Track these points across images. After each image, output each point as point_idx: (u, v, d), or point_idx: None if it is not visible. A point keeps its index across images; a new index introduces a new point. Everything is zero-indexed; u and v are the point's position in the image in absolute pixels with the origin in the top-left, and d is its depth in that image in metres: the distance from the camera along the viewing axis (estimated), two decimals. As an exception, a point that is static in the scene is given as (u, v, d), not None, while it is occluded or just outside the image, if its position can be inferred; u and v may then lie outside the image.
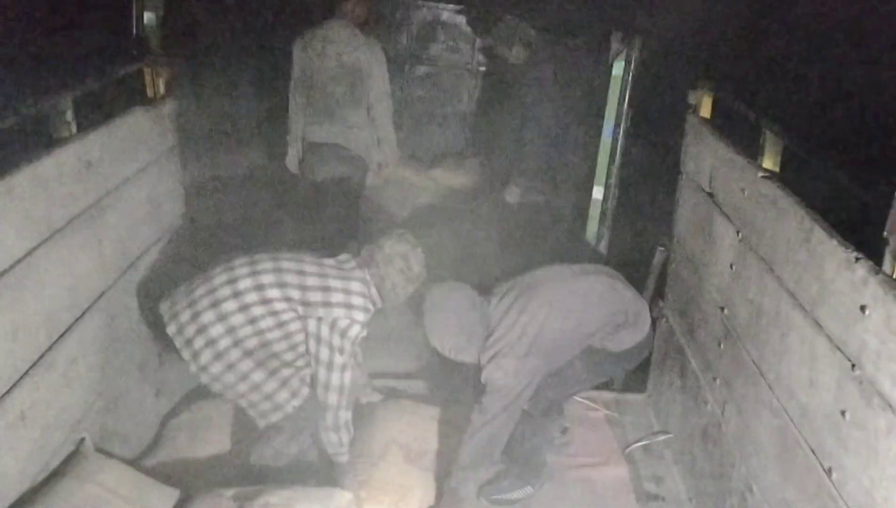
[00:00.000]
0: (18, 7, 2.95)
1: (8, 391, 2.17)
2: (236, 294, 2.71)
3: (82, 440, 2.60)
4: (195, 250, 3.60)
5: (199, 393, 3.45)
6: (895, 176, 1.82)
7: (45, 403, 2.37)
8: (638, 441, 3.54)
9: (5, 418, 2.16)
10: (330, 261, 2.88)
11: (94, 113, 2.82)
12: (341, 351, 2.76)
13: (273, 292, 2.72)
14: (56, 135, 2.59)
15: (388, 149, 4.34)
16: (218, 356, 2.71)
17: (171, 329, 2.75)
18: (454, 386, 3.49)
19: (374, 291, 2.87)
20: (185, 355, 2.73)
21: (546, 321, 2.90)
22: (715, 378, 2.94)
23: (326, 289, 2.76)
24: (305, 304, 2.73)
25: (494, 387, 2.86)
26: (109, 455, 2.72)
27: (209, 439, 3.12)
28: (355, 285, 2.81)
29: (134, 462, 2.90)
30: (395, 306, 2.98)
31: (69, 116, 2.62)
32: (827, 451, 2.05)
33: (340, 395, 2.82)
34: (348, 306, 2.76)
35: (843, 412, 1.96)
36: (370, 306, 2.85)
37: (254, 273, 2.75)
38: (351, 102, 4.18)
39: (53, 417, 2.43)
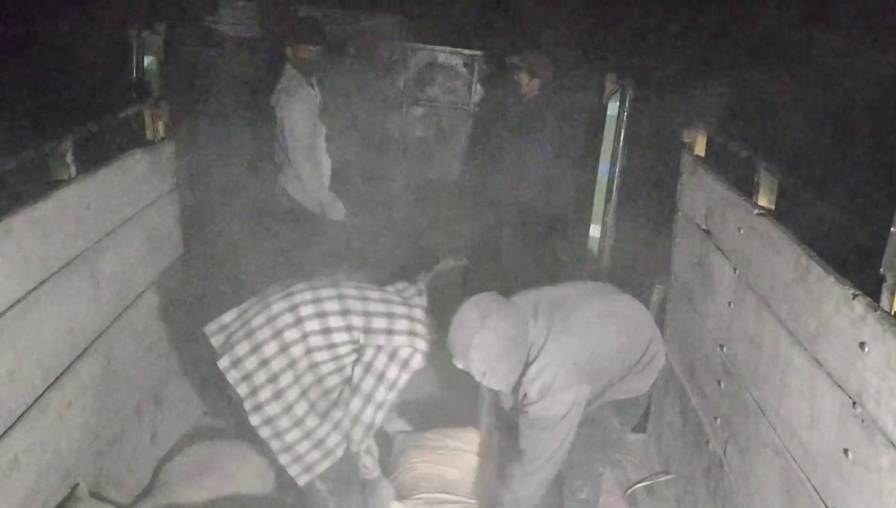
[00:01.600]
0: (20, 48, 2.99)
1: (2, 435, 2.15)
2: (298, 321, 2.54)
3: (77, 484, 2.56)
4: (193, 290, 3.60)
5: (195, 437, 3.42)
6: (890, 212, 1.83)
7: (39, 446, 2.34)
8: (640, 482, 3.50)
9: (0, 462, 2.13)
10: (390, 288, 2.74)
11: (94, 155, 2.84)
12: (391, 386, 2.57)
13: (335, 321, 2.55)
14: (56, 177, 2.60)
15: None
16: (278, 394, 2.53)
17: (223, 363, 2.56)
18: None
19: (434, 320, 2.68)
20: (242, 390, 2.55)
21: (597, 343, 2.62)
22: (716, 417, 2.91)
23: (391, 316, 2.59)
24: (367, 331, 2.55)
25: (552, 422, 2.53)
26: (104, 499, 2.68)
27: (204, 483, 3.07)
28: (418, 313, 2.65)
29: (128, 507, 2.86)
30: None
31: (69, 158, 2.63)
32: (831, 490, 2.03)
33: (367, 431, 2.66)
34: (412, 334, 2.59)
35: (845, 451, 1.94)
36: (433, 336, 2.66)
37: (316, 300, 2.57)
38: None
39: (48, 461, 2.40)
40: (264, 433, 2.61)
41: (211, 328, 2.68)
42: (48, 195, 2.45)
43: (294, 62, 4.26)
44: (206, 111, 4.77)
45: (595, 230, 4.43)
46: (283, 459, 2.65)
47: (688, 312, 3.30)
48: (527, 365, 2.55)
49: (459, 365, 2.54)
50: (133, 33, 3.56)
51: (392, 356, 2.55)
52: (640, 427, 3.85)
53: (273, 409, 2.56)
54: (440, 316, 2.64)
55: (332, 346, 2.56)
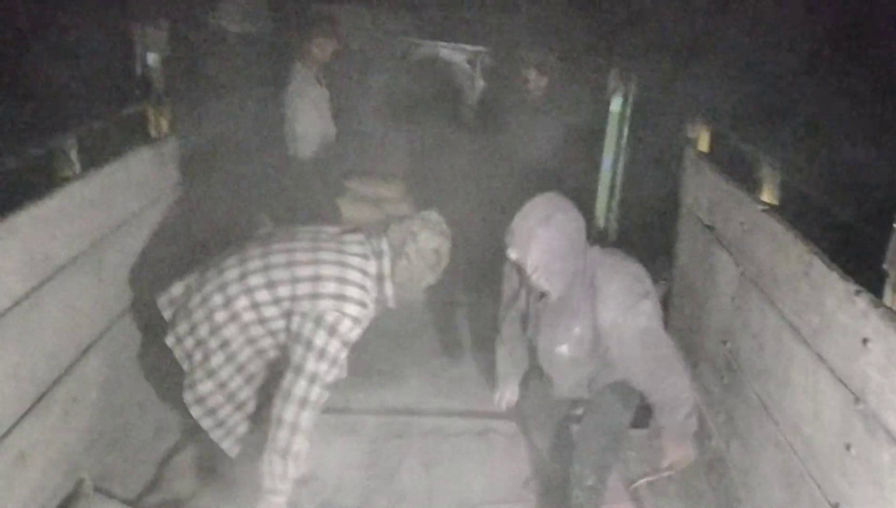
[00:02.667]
0: (23, 45, 3.00)
1: (8, 432, 2.17)
2: (227, 302, 2.45)
3: (82, 479, 2.58)
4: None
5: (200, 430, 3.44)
6: (893, 208, 1.83)
7: (44, 443, 2.36)
8: (643, 477, 3.50)
9: (5, 458, 2.14)
10: (331, 244, 2.50)
11: (98, 152, 2.85)
12: (321, 355, 2.34)
13: (262, 295, 2.41)
14: (60, 174, 2.61)
15: None
16: (211, 373, 2.49)
17: (169, 340, 2.56)
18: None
19: (387, 286, 2.51)
20: (184, 367, 2.54)
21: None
22: (719, 412, 2.92)
23: (318, 278, 2.39)
24: (293, 299, 2.40)
25: (648, 334, 2.61)
26: (109, 494, 2.69)
27: (209, 478, 3.08)
28: (354, 275, 2.43)
29: (133, 502, 2.87)
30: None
31: (73, 155, 2.65)
32: (833, 486, 2.03)
33: (301, 410, 2.34)
34: (339, 298, 2.38)
35: (847, 446, 1.95)
36: (368, 302, 2.44)
37: (243, 275, 2.45)
38: None
39: (53, 456, 2.42)
40: (195, 412, 2.56)
41: (161, 300, 2.63)
42: (53, 193, 2.46)
43: (305, 59, 4.25)
44: (210, 108, 4.77)
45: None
46: (215, 435, 2.62)
47: (691, 307, 3.31)
48: (593, 287, 2.59)
49: (513, 256, 2.55)
50: (136, 29, 3.56)
51: (317, 321, 2.36)
52: (642, 423, 3.85)
53: (205, 387, 2.51)
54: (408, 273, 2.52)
55: (263, 321, 2.45)
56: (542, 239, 2.50)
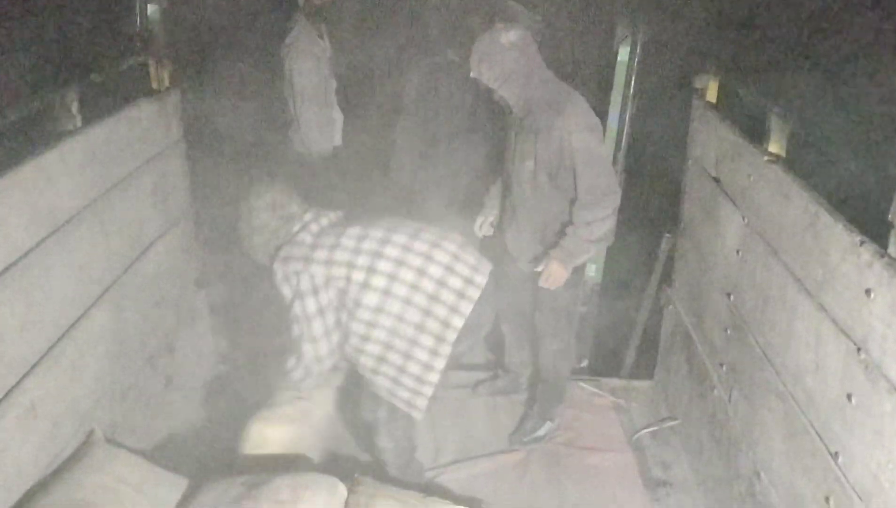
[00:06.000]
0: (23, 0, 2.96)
1: (18, 383, 2.19)
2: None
3: (92, 431, 2.62)
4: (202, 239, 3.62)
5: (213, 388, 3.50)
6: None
7: (54, 394, 2.39)
8: (645, 428, 3.55)
9: (16, 409, 2.18)
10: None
11: (100, 105, 2.83)
12: (300, 309, 2.68)
13: None
14: (61, 128, 2.60)
15: None
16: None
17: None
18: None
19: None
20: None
21: None
22: (722, 364, 2.93)
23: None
24: None
25: (598, 150, 3.01)
26: (119, 445, 2.74)
27: (219, 430, 3.14)
28: (305, 236, 2.73)
29: (144, 452, 2.92)
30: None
31: (74, 108, 2.63)
32: (833, 435, 2.05)
33: (306, 353, 2.73)
34: (307, 260, 2.69)
35: (849, 396, 1.96)
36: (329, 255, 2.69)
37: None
38: None
39: (63, 408, 2.45)
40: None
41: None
42: (54, 145, 2.45)
43: (306, 9, 4.18)
44: (211, 61, 4.72)
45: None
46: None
47: (696, 260, 3.30)
48: (556, 104, 2.93)
49: (473, 74, 2.97)
50: (136, -20, 3.51)
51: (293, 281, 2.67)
52: (646, 374, 3.89)
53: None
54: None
55: None
56: (495, 53, 2.92)
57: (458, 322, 2.62)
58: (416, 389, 2.67)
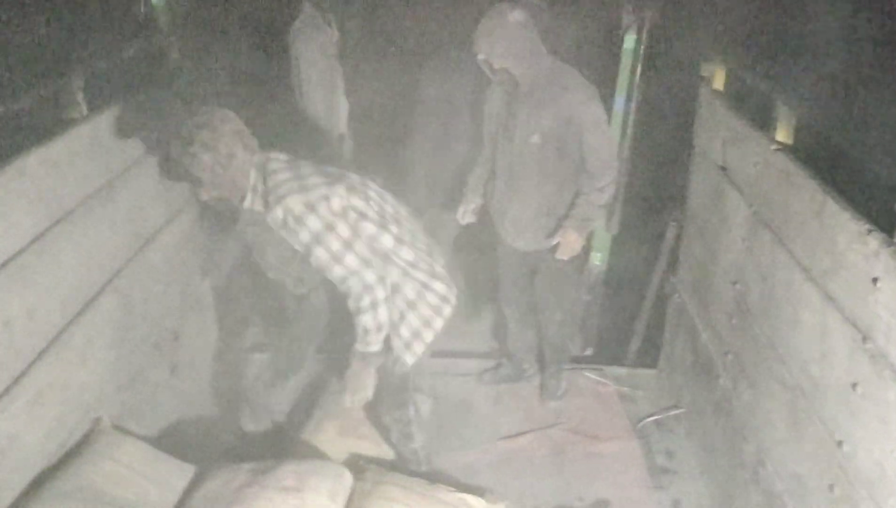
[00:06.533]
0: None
1: (25, 371, 2.21)
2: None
3: (99, 418, 2.64)
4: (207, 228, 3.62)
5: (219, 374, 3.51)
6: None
7: (61, 382, 2.40)
8: (650, 416, 3.55)
9: (23, 396, 2.19)
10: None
11: (105, 93, 2.83)
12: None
13: None
14: (67, 116, 2.60)
15: None
16: None
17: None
18: None
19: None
20: None
21: None
22: (727, 353, 2.93)
23: None
24: None
25: (604, 119, 3.13)
26: (126, 432, 2.76)
27: (228, 416, 3.16)
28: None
29: (150, 439, 2.94)
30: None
31: (80, 96, 2.63)
32: (838, 424, 2.05)
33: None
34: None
35: (854, 385, 1.96)
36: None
37: None
38: None
39: (70, 395, 2.47)
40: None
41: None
42: (61, 134, 2.45)
43: None
44: (217, 48, 4.71)
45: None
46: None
47: (701, 248, 3.29)
48: (560, 78, 3.02)
49: (482, 56, 2.96)
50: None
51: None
52: (651, 362, 3.90)
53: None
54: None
55: None
56: (502, 32, 2.93)
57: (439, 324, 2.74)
58: (417, 331, 2.70)
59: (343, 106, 4.51)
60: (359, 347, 2.55)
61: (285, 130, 4.43)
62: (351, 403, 2.64)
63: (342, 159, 4.45)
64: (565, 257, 3.18)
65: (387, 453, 3.01)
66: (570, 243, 3.15)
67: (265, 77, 4.85)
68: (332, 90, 4.36)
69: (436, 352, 3.65)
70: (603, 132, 3.08)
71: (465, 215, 3.45)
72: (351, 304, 2.48)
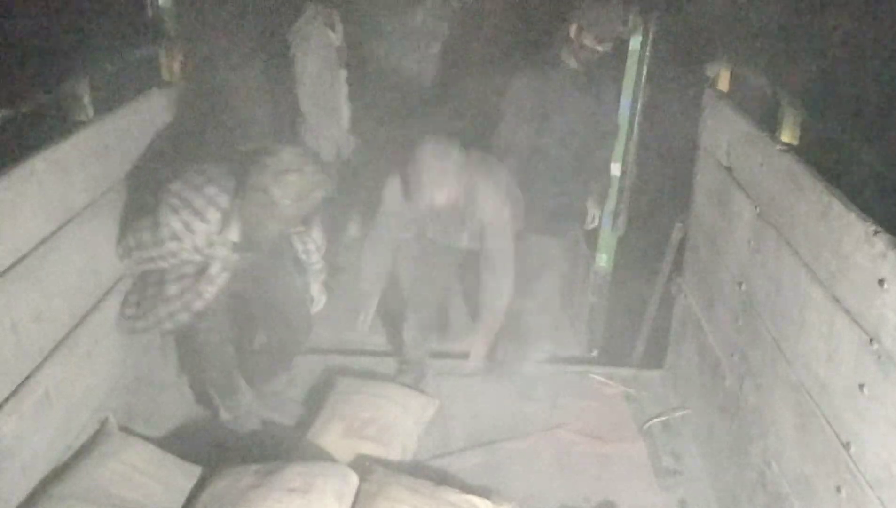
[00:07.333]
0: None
1: (33, 372, 2.22)
2: None
3: (106, 419, 2.65)
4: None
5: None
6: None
7: (69, 383, 2.42)
8: (656, 417, 3.54)
9: (31, 397, 2.20)
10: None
11: (111, 97, 2.84)
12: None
13: None
14: (73, 119, 2.62)
15: None
16: None
17: None
18: None
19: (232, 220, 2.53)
20: None
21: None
22: (733, 354, 2.93)
23: None
24: None
25: (507, 226, 3.16)
26: (132, 433, 2.77)
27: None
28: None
29: (156, 441, 2.95)
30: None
31: (86, 99, 2.64)
32: (845, 425, 2.04)
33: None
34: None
35: (861, 386, 1.95)
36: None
37: None
38: None
39: (78, 397, 2.48)
40: None
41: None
42: (67, 137, 2.47)
43: None
44: (223, 51, 4.72)
45: (615, 169, 4.38)
46: None
47: (707, 250, 3.29)
48: (475, 189, 2.99)
49: (444, 201, 2.87)
50: (146, -30, 3.51)
51: None
52: (657, 363, 3.89)
53: None
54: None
55: None
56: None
57: None
58: None
59: (346, 109, 4.51)
60: None
61: (284, 129, 4.45)
62: None
63: (343, 160, 4.46)
64: (473, 365, 3.30)
65: (393, 454, 3.01)
66: (479, 356, 3.29)
67: (268, 77, 4.87)
68: (332, 93, 4.36)
69: (441, 353, 3.68)
70: (504, 243, 3.13)
71: (365, 324, 3.38)
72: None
